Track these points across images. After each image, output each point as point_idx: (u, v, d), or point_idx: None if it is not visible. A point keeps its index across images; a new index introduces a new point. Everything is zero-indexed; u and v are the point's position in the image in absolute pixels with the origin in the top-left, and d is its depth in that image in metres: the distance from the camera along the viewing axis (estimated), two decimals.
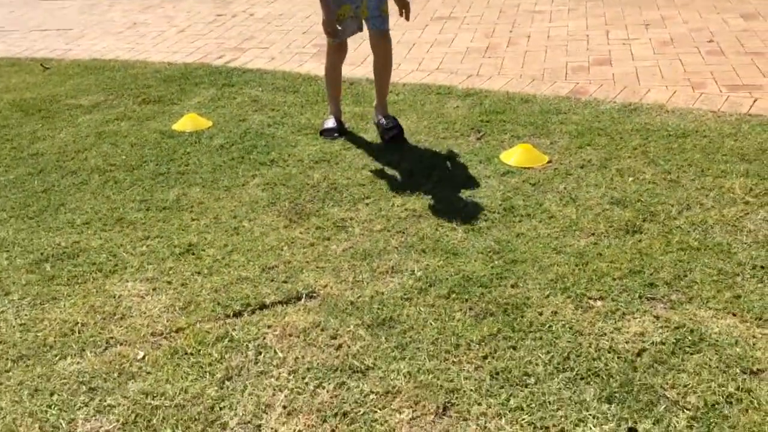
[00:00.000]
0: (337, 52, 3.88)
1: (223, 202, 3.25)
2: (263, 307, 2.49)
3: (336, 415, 1.99)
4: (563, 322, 2.29)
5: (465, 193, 3.16)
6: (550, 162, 3.38)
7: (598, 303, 2.37)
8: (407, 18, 3.65)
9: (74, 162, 3.75)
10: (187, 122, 4.15)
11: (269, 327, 2.37)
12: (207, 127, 4.09)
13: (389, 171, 3.43)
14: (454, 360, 2.15)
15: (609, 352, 2.14)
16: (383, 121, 3.84)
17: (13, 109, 4.57)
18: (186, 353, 2.27)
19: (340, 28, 3.61)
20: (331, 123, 3.94)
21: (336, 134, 3.87)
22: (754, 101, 3.89)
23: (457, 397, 2.01)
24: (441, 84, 4.50)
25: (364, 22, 3.67)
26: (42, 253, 2.92)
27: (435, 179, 3.30)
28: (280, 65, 5.10)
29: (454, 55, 5.05)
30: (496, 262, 2.63)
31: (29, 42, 6.14)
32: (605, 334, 2.22)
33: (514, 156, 3.42)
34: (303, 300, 2.50)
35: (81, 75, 5.13)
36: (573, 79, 4.41)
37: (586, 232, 2.79)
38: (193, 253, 2.86)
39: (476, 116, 3.95)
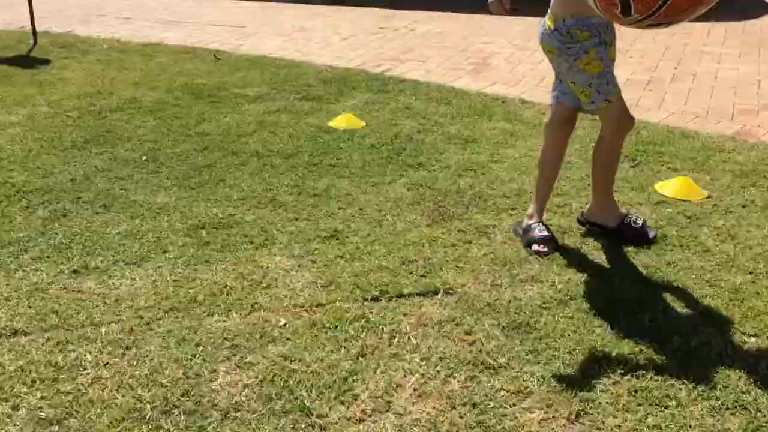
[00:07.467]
0: (564, 124, 2.82)
1: (369, 195, 3.34)
2: (400, 296, 2.53)
3: (465, 404, 1.98)
4: (713, 353, 2.17)
5: None
6: (709, 197, 3.23)
7: (752, 339, 2.24)
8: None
9: (236, 144, 3.99)
10: (343, 121, 4.31)
11: (405, 315, 2.41)
12: (360, 127, 4.22)
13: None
14: (591, 372, 2.09)
15: (760, 387, 2.01)
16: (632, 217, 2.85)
17: (184, 91, 4.92)
18: (324, 327, 2.35)
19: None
20: (543, 231, 2.79)
21: (554, 248, 2.77)
22: None
23: (591, 407, 1.96)
24: None
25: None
26: (199, 221, 3.12)
27: (584, 200, 3.24)
28: (435, 78, 5.19)
29: None
30: (643, 287, 2.54)
31: (205, 34, 6.60)
32: (758, 370, 2.09)
33: (670, 187, 3.29)
34: (440, 295, 2.52)
35: (249, 68, 5.46)
36: (740, 121, 4.20)
37: (744, 269, 2.64)
38: (338, 239, 2.95)
39: (632, 145, 3.83)
